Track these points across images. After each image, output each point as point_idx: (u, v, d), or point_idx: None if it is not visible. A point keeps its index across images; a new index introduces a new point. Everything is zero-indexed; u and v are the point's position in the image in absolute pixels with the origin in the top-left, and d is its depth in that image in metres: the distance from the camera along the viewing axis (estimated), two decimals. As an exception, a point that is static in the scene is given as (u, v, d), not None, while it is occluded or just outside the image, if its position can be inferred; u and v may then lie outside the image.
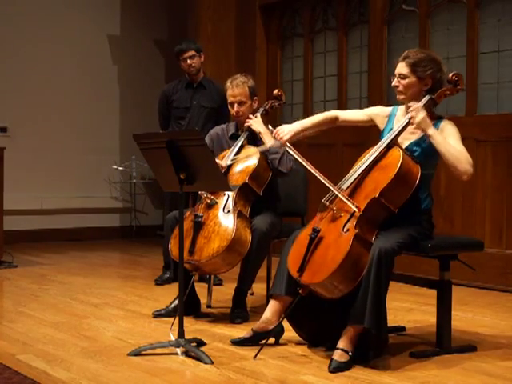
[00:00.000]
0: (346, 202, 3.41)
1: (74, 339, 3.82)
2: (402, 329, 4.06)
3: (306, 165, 3.58)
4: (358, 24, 6.69)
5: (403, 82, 3.56)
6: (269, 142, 4.31)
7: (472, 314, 4.59)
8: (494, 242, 5.43)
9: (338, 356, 3.31)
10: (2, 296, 5.27)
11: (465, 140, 5.53)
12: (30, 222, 8.15)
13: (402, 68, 3.57)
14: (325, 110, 6.88)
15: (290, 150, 3.72)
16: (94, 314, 4.45)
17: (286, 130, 3.74)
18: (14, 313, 4.49)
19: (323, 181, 3.50)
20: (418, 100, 3.54)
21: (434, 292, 3.66)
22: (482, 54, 5.61)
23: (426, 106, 3.50)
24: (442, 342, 3.60)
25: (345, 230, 3.36)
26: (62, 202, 8.34)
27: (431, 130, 3.43)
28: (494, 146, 5.47)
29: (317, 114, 3.91)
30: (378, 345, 3.37)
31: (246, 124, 4.42)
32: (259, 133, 4.36)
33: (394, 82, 3.59)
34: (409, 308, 4.72)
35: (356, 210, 3.36)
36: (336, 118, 3.84)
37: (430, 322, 4.06)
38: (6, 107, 7.95)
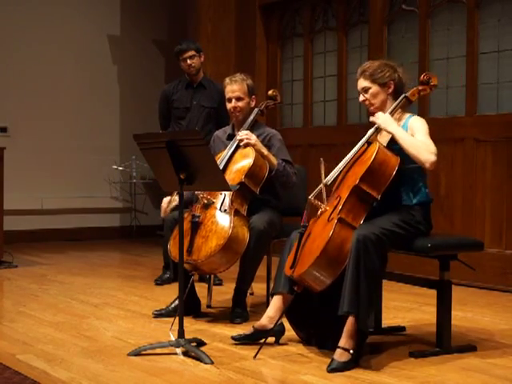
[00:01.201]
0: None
1: (74, 339, 3.83)
2: (402, 329, 4.06)
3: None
4: (358, 24, 6.69)
5: (367, 94, 3.69)
6: (274, 161, 4.31)
7: (472, 313, 4.59)
8: (494, 242, 5.43)
9: (338, 355, 3.30)
10: (2, 296, 5.27)
11: (465, 140, 5.61)
12: (30, 222, 8.16)
13: (362, 82, 3.71)
14: (325, 110, 6.98)
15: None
16: (94, 314, 4.45)
17: None
18: (14, 313, 4.49)
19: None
20: (388, 105, 3.67)
21: (434, 292, 3.66)
22: (482, 54, 5.61)
23: (397, 108, 3.63)
24: (442, 342, 3.60)
25: (329, 219, 3.44)
26: (62, 202, 8.35)
27: (391, 128, 3.54)
28: (494, 146, 5.46)
29: None
30: (359, 338, 3.36)
31: (245, 142, 4.33)
32: (263, 156, 4.31)
33: (361, 98, 3.73)
34: (409, 308, 4.72)
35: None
36: None
37: (430, 322, 4.05)
38: (6, 107, 7.96)
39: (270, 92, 4.66)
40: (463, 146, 5.62)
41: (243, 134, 4.35)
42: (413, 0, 6.10)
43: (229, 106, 4.50)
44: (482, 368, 3.36)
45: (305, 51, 7.19)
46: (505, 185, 5.40)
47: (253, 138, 4.33)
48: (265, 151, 4.34)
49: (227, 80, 4.51)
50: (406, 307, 4.74)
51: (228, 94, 4.49)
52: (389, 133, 3.56)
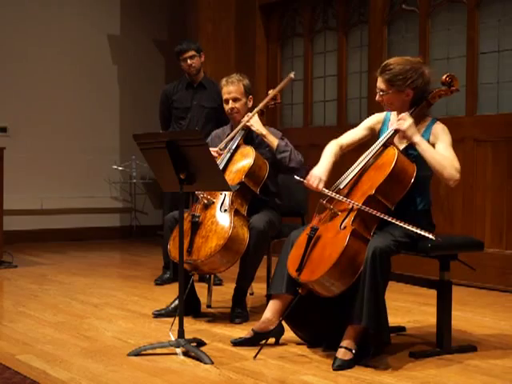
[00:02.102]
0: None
1: (74, 339, 3.82)
2: (402, 329, 4.06)
3: (340, 198, 3.50)
4: (357, 24, 6.69)
5: (385, 97, 3.57)
6: (274, 141, 4.33)
7: (472, 314, 4.59)
8: (494, 242, 5.43)
9: (341, 354, 3.32)
10: (2, 296, 5.26)
11: (465, 140, 5.60)
12: (30, 222, 8.16)
13: (380, 83, 3.58)
14: (325, 110, 6.99)
15: (326, 192, 3.57)
16: (94, 314, 4.45)
17: (317, 179, 3.61)
18: (14, 313, 4.49)
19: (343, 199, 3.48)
20: (406, 108, 3.57)
21: (434, 292, 3.66)
22: (482, 54, 5.61)
23: (417, 111, 3.56)
24: (442, 342, 3.60)
25: (342, 227, 3.39)
26: (62, 202, 8.34)
27: (417, 138, 3.46)
28: (494, 146, 5.47)
29: (326, 148, 3.80)
30: (378, 343, 3.37)
31: (246, 124, 4.41)
32: (262, 135, 4.35)
33: (377, 98, 3.62)
34: (409, 308, 4.72)
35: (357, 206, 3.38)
36: (340, 147, 3.79)
37: (430, 322, 4.06)
38: (6, 107, 7.96)
39: (270, 92, 4.66)
40: (463, 145, 5.61)
41: (247, 117, 4.41)
42: (413, 0, 6.10)
43: (226, 107, 4.51)
44: (482, 368, 3.36)
45: (305, 51, 7.19)
46: (505, 185, 5.40)
47: (254, 119, 4.39)
48: (264, 131, 4.37)
49: (223, 81, 4.52)
50: (405, 307, 4.74)
51: (225, 96, 4.50)
52: (413, 142, 3.45)
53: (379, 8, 6.29)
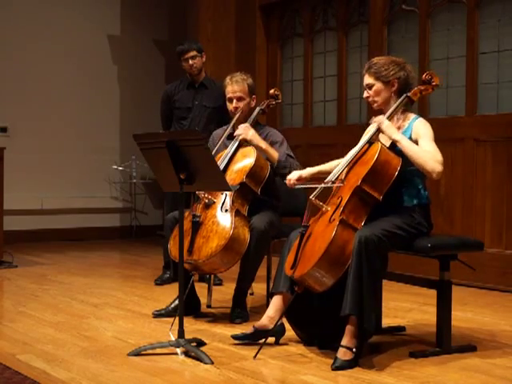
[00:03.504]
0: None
1: (74, 339, 3.83)
2: (402, 329, 4.06)
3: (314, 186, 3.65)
4: (357, 24, 6.69)
5: (371, 91, 3.68)
6: (275, 155, 4.30)
7: (472, 313, 4.59)
8: (494, 242, 5.43)
9: (341, 354, 3.32)
10: (2, 296, 5.27)
11: (465, 140, 5.61)
12: (30, 222, 8.16)
13: (367, 79, 3.70)
14: (325, 110, 6.98)
15: (298, 187, 3.81)
16: (94, 314, 4.46)
17: (295, 174, 3.87)
18: (14, 313, 4.49)
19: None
20: (392, 101, 3.66)
21: (434, 292, 3.66)
22: (482, 54, 5.61)
23: (399, 107, 3.63)
24: (442, 342, 3.60)
25: (331, 219, 3.44)
26: (62, 202, 8.35)
27: (397, 136, 3.52)
28: (494, 146, 5.47)
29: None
30: (362, 333, 3.36)
31: (241, 137, 4.35)
32: (262, 150, 4.31)
33: (365, 94, 3.72)
34: (409, 308, 4.72)
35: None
36: None
37: (430, 322, 4.05)
38: (6, 107, 7.96)
39: (271, 91, 4.64)
40: (463, 145, 5.62)
41: (241, 129, 4.36)
42: (413, 0, 6.10)
43: (230, 106, 4.50)
44: (482, 368, 3.37)
45: (305, 51, 7.19)
46: (505, 185, 5.40)
47: (249, 133, 4.33)
48: (263, 145, 4.33)
49: (227, 80, 4.50)
50: (405, 307, 4.74)
51: (229, 94, 4.48)
52: (393, 140, 3.52)
53: (379, 8, 6.29)
